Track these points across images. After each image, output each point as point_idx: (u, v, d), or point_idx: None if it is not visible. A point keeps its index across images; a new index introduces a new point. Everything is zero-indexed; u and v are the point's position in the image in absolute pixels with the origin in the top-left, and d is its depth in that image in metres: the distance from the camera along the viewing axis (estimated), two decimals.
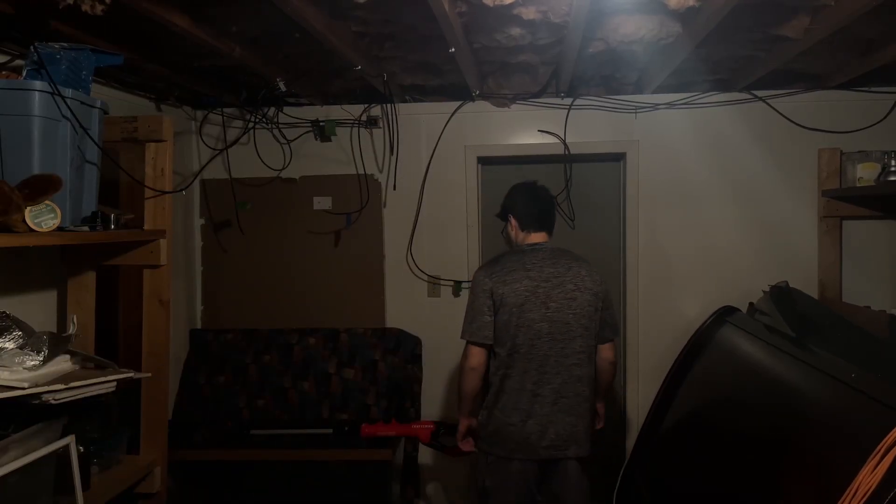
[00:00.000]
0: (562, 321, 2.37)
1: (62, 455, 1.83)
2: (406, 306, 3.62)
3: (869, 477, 1.46)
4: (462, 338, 2.44)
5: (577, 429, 2.39)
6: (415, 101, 3.56)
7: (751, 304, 3.25)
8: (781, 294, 2.91)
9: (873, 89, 3.29)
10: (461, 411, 2.52)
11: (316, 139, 3.63)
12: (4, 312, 1.89)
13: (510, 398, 2.38)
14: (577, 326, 2.38)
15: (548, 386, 2.36)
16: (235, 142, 3.57)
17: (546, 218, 2.55)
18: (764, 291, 3.06)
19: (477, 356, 2.39)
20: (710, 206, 3.44)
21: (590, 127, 3.48)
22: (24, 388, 1.66)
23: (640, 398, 3.47)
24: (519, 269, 2.40)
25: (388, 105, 3.51)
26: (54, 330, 2.34)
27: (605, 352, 2.52)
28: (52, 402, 1.73)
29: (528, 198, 2.55)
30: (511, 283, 2.37)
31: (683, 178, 3.45)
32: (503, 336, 2.37)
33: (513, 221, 2.56)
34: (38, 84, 1.80)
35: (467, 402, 2.47)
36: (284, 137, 3.59)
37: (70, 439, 1.85)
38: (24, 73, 1.90)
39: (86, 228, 1.99)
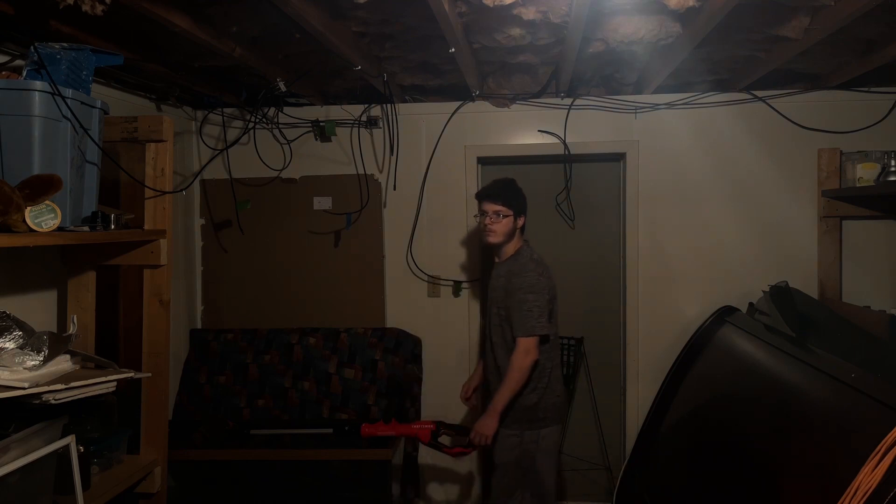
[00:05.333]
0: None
1: (62, 455, 1.83)
2: (406, 306, 3.63)
3: (869, 477, 1.46)
4: (534, 333, 2.58)
5: None
6: (415, 101, 3.56)
7: (751, 304, 3.26)
8: (781, 294, 2.91)
9: (873, 89, 3.29)
10: (508, 400, 2.60)
11: (316, 139, 3.63)
12: (4, 312, 1.89)
13: (554, 375, 2.72)
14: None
15: (558, 359, 2.81)
16: (235, 142, 3.57)
17: None
18: (764, 291, 3.07)
19: (538, 348, 2.61)
20: (709, 206, 3.44)
21: (590, 127, 3.49)
22: (24, 388, 1.66)
23: (639, 398, 3.47)
24: (546, 267, 2.73)
25: (388, 105, 3.51)
26: (54, 330, 2.34)
27: None
28: (53, 402, 1.73)
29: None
30: (552, 279, 2.71)
31: (683, 177, 3.45)
32: (553, 326, 2.72)
33: (521, 222, 2.76)
34: (38, 84, 1.80)
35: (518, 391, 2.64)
36: (284, 137, 3.59)
37: (70, 439, 1.85)
38: (25, 73, 1.90)
39: (86, 228, 1.99)
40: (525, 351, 2.57)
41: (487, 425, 2.60)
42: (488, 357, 2.80)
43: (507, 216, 2.70)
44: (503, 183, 2.80)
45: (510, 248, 2.75)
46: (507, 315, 2.66)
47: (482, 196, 2.77)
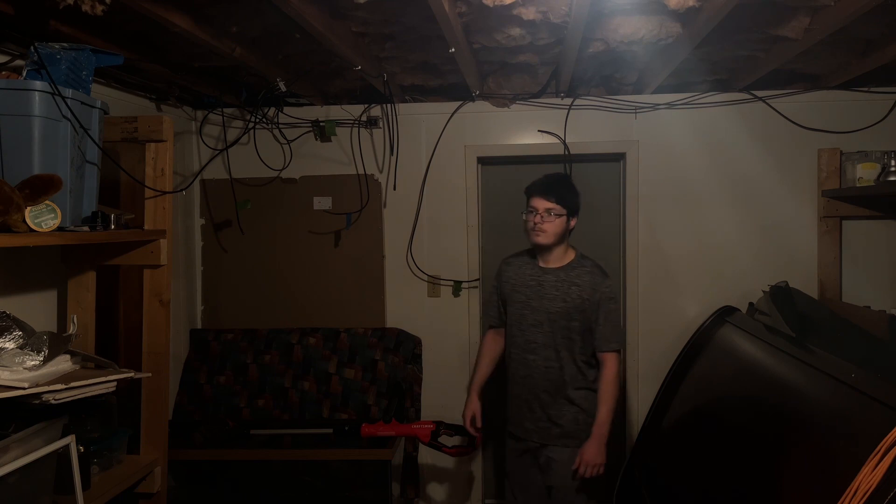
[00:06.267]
0: None
1: (62, 455, 1.83)
2: (406, 306, 3.63)
3: (869, 477, 1.46)
4: (623, 345, 2.52)
5: None
6: (415, 101, 3.56)
7: (751, 304, 3.26)
8: (781, 294, 2.91)
9: (873, 89, 3.29)
10: (611, 421, 2.49)
11: (316, 139, 3.63)
12: (4, 312, 1.89)
13: None
14: None
15: None
16: (235, 142, 3.57)
17: None
18: (764, 291, 3.07)
19: None
20: (709, 206, 3.44)
21: (590, 127, 3.48)
22: (24, 388, 1.67)
23: (639, 398, 3.47)
24: None
25: (388, 105, 3.51)
26: (54, 330, 2.34)
27: None
28: (53, 401, 1.73)
29: None
30: None
31: (683, 178, 3.44)
32: None
33: (573, 224, 2.55)
34: (38, 84, 1.80)
35: None
36: (284, 137, 3.59)
37: (70, 439, 1.85)
38: (25, 73, 1.90)
39: (86, 228, 1.99)
40: (618, 364, 2.43)
41: (600, 453, 2.40)
42: (541, 372, 2.52)
43: (560, 216, 2.45)
44: (557, 178, 2.55)
45: (561, 253, 2.53)
46: (586, 327, 2.47)
47: (533, 191, 2.50)
